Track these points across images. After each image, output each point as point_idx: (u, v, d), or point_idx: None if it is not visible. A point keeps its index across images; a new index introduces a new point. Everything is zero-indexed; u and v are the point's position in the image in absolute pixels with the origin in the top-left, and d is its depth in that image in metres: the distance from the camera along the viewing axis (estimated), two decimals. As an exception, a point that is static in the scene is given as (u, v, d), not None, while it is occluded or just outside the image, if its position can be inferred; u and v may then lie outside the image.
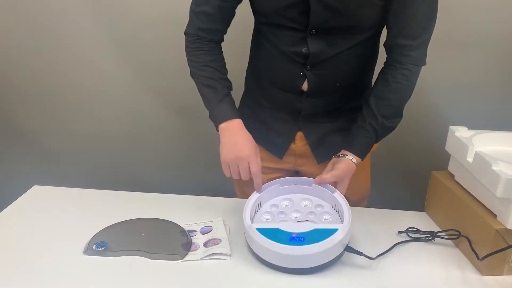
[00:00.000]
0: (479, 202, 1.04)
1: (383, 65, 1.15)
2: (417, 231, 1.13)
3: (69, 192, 1.29)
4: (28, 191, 1.29)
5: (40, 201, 1.23)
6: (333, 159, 1.15)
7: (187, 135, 1.97)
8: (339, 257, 0.99)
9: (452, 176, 1.16)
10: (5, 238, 1.06)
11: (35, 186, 1.31)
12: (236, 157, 1.06)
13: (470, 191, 1.08)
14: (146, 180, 2.08)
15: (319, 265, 0.96)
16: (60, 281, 0.92)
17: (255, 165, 1.06)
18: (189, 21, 1.13)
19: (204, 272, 0.97)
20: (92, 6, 1.74)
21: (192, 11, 1.12)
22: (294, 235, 0.96)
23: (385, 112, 1.12)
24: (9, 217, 1.15)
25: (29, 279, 0.93)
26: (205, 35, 1.11)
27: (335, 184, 1.12)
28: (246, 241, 1.05)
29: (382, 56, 1.19)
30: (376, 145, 1.31)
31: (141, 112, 1.95)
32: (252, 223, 1.03)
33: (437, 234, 1.10)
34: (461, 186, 1.11)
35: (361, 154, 1.13)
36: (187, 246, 1.03)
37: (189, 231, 1.09)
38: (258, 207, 1.11)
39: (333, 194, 1.08)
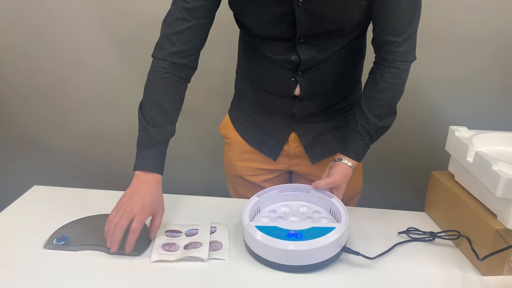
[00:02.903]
0: (479, 202, 1.04)
1: (372, 64, 1.15)
2: (417, 231, 1.12)
3: (69, 192, 1.29)
4: (28, 191, 1.29)
5: (40, 201, 1.23)
6: (330, 163, 1.15)
7: (187, 135, 1.97)
8: (336, 257, 0.99)
9: (452, 176, 1.16)
10: (5, 238, 1.06)
11: (35, 186, 1.31)
12: (127, 206, 0.99)
13: (470, 191, 1.08)
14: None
15: (316, 263, 0.97)
16: (59, 279, 0.93)
17: (136, 222, 0.98)
18: (158, 43, 1.07)
19: (200, 270, 0.97)
20: (92, 6, 1.74)
21: (163, 33, 1.06)
22: (292, 232, 0.98)
23: (377, 112, 1.11)
24: (9, 217, 1.15)
25: (29, 279, 0.93)
26: (172, 59, 1.05)
27: (331, 189, 1.12)
28: (244, 241, 1.05)
29: (370, 51, 1.19)
30: None
31: (141, 112, 1.95)
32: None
33: (437, 234, 1.10)
34: (461, 186, 1.11)
35: (356, 157, 1.13)
36: (146, 243, 1.03)
37: (173, 231, 1.09)
38: (257, 211, 1.11)
39: (331, 199, 1.09)
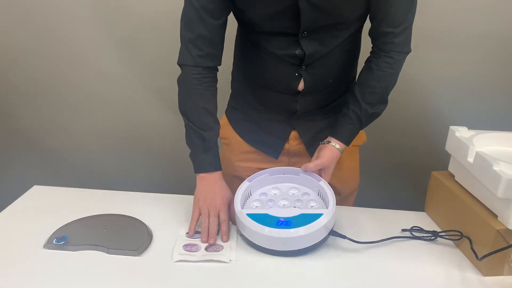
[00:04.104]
0: (480, 202, 1.04)
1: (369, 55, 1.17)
2: (420, 230, 1.13)
3: (69, 192, 1.29)
4: (28, 191, 1.28)
5: (40, 201, 1.23)
6: (319, 146, 1.18)
7: (183, 136, 1.97)
8: (324, 240, 1.04)
9: (453, 176, 1.16)
10: (5, 238, 1.06)
11: (35, 186, 1.31)
12: (209, 204, 1.11)
13: (470, 191, 1.08)
14: (145, 180, 2.07)
15: (305, 248, 1.01)
16: (58, 279, 0.93)
17: (224, 214, 1.10)
18: (183, 49, 1.10)
19: (198, 267, 0.98)
20: (92, 6, 1.74)
21: (186, 39, 1.08)
22: (281, 219, 1.02)
23: (369, 99, 1.14)
24: (9, 217, 1.15)
25: (29, 279, 0.93)
26: (204, 64, 1.10)
27: (320, 171, 1.15)
28: (237, 226, 1.10)
29: (364, 50, 1.21)
30: (364, 139, 1.34)
31: (141, 112, 1.95)
32: (242, 209, 1.08)
33: (439, 234, 1.10)
34: (462, 186, 1.11)
35: (345, 141, 1.16)
36: (146, 243, 1.05)
37: (197, 232, 1.10)
38: (248, 195, 1.15)
39: (319, 182, 1.12)
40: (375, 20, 1.09)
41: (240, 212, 1.06)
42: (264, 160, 1.30)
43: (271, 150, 1.29)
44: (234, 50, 1.26)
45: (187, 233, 1.10)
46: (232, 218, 1.13)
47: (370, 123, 1.19)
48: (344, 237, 1.05)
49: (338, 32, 1.09)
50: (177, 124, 1.95)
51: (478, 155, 1.02)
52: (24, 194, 1.27)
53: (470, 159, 1.05)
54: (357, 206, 1.36)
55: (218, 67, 1.15)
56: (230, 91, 1.35)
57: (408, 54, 1.12)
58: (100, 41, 1.81)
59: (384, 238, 1.08)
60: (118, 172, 2.07)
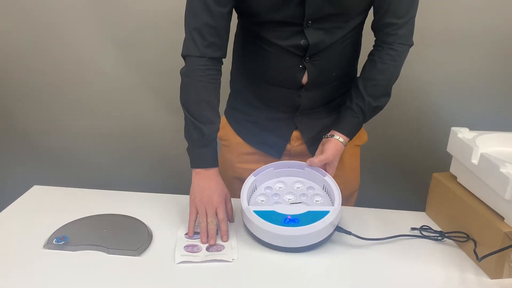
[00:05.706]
0: (484, 204, 1.03)
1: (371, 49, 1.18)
2: (429, 229, 1.13)
3: (69, 192, 1.28)
4: (28, 191, 1.28)
5: (40, 201, 1.23)
6: (323, 140, 1.19)
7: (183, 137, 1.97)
8: (329, 236, 1.05)
9: (455, 177, 1.15)
10: (5, 238, 1.05)
11: (35, 186, 1.30)
12: (206, 202, 1.08)
13: (474, 193, 1.07)
14: (145, 180, 2.07)
15: (311, 244, 1.03)
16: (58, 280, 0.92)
17: (222, 212, 1.08)
18: (189, 39, 1.08)
19: (200, 268, 0.97)
20: (92, 5, 1.74)
21: (191, 28, 1.06)
22: (288, 217, 1.02)
23: (372, 92, 1.15)
24: (9, 217, 1.14)
25: (29, 279, 0.92)
26: (210, 54, 1.07)
27: (324, 165, 1.15)
28: (243, 221, 1.10)
29: (364, 47, 1.21)
30: (365, 139, 1.34)
31: (141, 112, 1.95)
32: (248, 205, 1.08)
33: (446, 234, 1.10)
34: (465, 188, 1.10)
35: (348, 134, 1.16)
36: (146, 243, 1.04)
37: (196, 232, 1.09)
38: (253, 189, 1.15)
39: (324, 177, 1.13)
40: (379, 11, 1.11)
41: (247, 209, 1.05)
42: (265, 161, 1.29)
43: (273, 150, 1.28)
44: (234, 48, 1.25)
45: (186, 234, 1.09)
46: (229, 216, 1.13)
47: (373, 119, 1.20)
48: (349, 233, 1.06)
49: (342, 23, 1.09)
50: (177, 124, 1.94)
51: (483, 157, 1.01)
52: (24, 194, 1.26)
53: (475, 161, 1.04)
54: (357, 206, 1.35)
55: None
56: (227, 91, 1.34)
57: (410, 47, 1.14)
58: (100, 41, 1.80)
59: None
60: (118, 172, 2.07)
